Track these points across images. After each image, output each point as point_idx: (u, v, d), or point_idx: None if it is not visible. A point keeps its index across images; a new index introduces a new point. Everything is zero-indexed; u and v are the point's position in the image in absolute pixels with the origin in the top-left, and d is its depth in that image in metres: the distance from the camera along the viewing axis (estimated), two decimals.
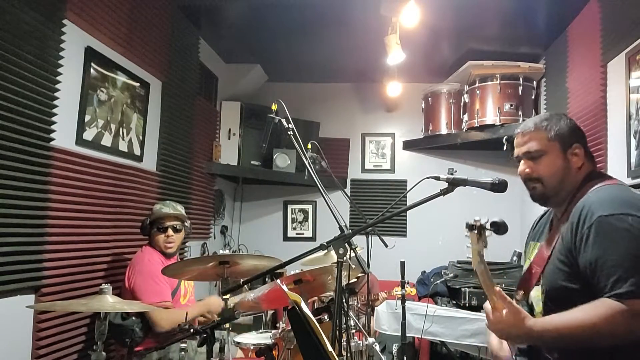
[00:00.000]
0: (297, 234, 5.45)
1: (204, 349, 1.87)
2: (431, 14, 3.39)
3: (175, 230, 2.82)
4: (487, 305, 1.38)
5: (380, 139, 5.46)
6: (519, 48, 4.37)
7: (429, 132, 4.90)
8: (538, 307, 1.51)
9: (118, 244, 2.99)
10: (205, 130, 4.44)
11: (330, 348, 1.27)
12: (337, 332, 1.56)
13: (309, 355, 1.32)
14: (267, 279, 2.84)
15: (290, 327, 2.15)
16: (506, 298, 1.33)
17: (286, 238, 5.45)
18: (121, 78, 3.03)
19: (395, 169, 5.40)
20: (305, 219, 5.46)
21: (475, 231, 1.30)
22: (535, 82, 4.43)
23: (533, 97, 4.40)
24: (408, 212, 4.74)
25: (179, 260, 3.10)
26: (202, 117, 4.31)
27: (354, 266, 2.00)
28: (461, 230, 1.45)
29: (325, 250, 1.61)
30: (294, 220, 5.47)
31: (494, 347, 1.68)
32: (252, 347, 2.62)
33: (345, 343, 1.96)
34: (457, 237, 4.30)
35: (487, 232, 1.32)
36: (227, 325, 2.27)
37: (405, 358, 2.84)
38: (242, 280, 1.80)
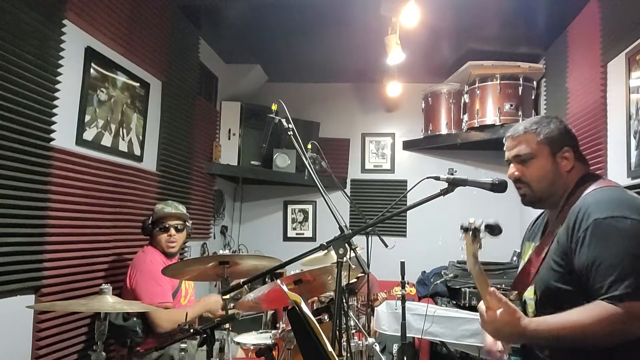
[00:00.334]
0: (297, 234, 5.45)
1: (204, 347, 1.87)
2: (431, 14, 3.39)
3: (178, 229, 2.82)
4: (482, 305, 1.38)
5: (380, 139, 5.46)
6: (519, 48, 4.37)
7: (429, 132, 4.89)
8: (531, 307, 1.52)
9: (118, 244, 2.99)
10: (205, 131, 4.43)
11: (330, 348, 1.27)
12: (337, 332, 1.56)
13: (309, 356, 1.33)
14: (267, 279, 2.84)
15: (290, 327, 2.15)
16: (502, 299, 1.33)
17: (286, 238, 5.45)
18: (121, 78, 3.03)
19: (395, 169, 5.40)
20: (305, 219, 5.46)
21: (470, 233, 1.30)
22: (535, 82, 4.43)
23: (533, 97, 4.40)
24: (408, 212, 4.75)
25: (179, 260, 3.10)
26: (202, 117, 4.31)
27: (353, 266, 2.00)
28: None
29: (325, 251, 1.61)
30: (294, 221, 5.47)
31: (488, 346, 1.69)
32: (252, 347, 2.62)
33: (345, 343, 1.95)
34: (457, 237, 4.29)
35: (482, 234, 1.32)
36: (227, 325, 2.28)
37: (405, 358, 2.84)
38: (242, 280, 1.80)
